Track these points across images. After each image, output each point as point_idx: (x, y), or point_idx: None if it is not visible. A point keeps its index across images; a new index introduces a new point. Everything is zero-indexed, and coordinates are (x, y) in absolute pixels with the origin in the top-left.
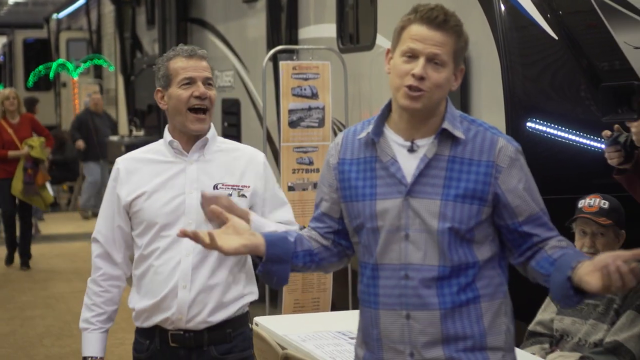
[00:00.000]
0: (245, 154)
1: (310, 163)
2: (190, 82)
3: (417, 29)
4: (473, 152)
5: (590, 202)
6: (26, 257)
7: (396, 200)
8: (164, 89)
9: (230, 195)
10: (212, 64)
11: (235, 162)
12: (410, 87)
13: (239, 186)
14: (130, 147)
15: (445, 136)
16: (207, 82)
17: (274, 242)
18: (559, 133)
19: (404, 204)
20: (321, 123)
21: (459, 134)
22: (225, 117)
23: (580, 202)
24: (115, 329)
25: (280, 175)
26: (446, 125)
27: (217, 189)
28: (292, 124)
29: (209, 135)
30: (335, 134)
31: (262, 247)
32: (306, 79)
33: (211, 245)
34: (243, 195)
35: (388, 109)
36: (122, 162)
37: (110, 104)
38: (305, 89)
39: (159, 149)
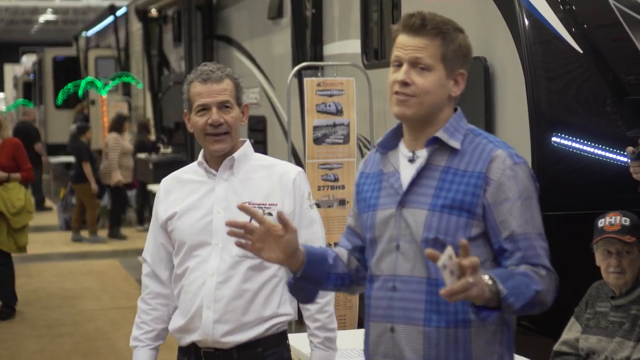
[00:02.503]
0: (278, 171)
1: (336, 180)
2: (204, 108)
3: (400, 38)
4: (468, 163)
5: (611, 221)
6: (8, 303)
7: (391, 210)
8: (189, 112)
9: None
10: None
11: (265, 180)
12: (397, 94)
13: (265, 204)
14: (158, 164)
15: (442, 146)
16: (224, 105)
17: (314, 261)
18: (585, 147)
19: (397, 213)
20: (346, 139)
21: (454, 144)
22: (251, 134)
23: (600, 221)
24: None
25: None
26: (440, 134)
27: None
28: (317, 141)
29: (236, 154)
30: (361, 151)
31: (299, 265)
32: (331, 96)
33: (254, 245)
34: (269, 214)
35: None
36: (165, 181)
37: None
38: (329, 106)
39: (196, 169)
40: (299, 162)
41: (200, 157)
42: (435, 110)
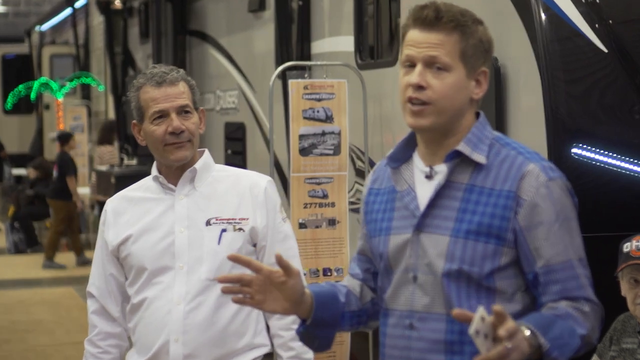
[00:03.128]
0: (246, 181)
1: (325, 196)
2: (162, 115)
3: (411, 34)
4: (496, 180)
5: (639, 245)
6: None
7: (407, 235)
8: (139, 123)
9: (226, 230)
10: (213, 82)
11: (232, 192)
12: (410, 101)
13: (235, 219)
14: (121, 178)
15: (463, 161)
16: (184, 110)
17: (324, 302)
18: (609, 160)
19: (413, 239)
20: (337, 150)
21: (478, 157)
22: (228, 143)
23: (625, 245)
24: None
25: (290, 210)
26: (462, 147)
27: (210, 224)
28: (304, 152)
29: (197, 165)
30: (354, 163)
31: (307, 311)
32: (319, 100)
33: (254, 298)
34: (240, 230)
35: None
36: (111, 203)
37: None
38: (318, 111)
39: (149, 185)
40: (282, 176)
41: (154, 171)
42: (456, 117)
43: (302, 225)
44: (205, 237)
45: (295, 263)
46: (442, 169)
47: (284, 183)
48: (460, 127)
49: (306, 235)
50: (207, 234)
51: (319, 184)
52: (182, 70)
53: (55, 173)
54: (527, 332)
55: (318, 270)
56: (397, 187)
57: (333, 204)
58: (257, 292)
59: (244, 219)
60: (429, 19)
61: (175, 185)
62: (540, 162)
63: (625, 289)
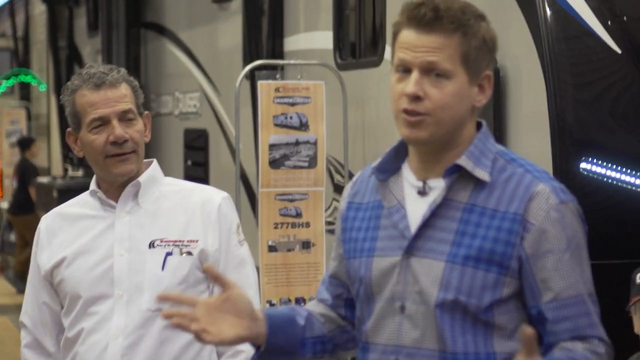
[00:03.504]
0: (197, 197)
1: (298, 215)
2: (102, 122)
3: (406, 35)
4: (500, 201)
5: None
6: None
7: (395, 258)
8: (75, 131)
9: (171, 253)
10: (171, 83)
11: (180, 209)
12: (406, 112)
13: (182, 241)
14: (64, 191)
15: (464, 176)
16: (127, 116)
17: (279, 327)
18: (622, 176)
19: (402, 264)
20: (312, 162)
21: (481, 174)
22: (188, 153)
23: (638, 276)
24: None
25: (259, 230)
26: (463, 161)
27: (153, 247)
28: (274, 164)
29: (142, 177)
30: (332, 177)
31: (262, 335)
32: (293, 104)
33: (198, 331)
34: (188, 253)
35: None
36: (45, 221)
37: (40, 134)
38: (291, 117)
39: (88, 200)
40: (250, 191)
41: (92, 185)
42: (456, 128)
43: (272, 248)
44: (148, 261)
45: (252, 294)
46: (438, 185)
47: (251, 199)
48: (460, 139)
49: (277, 259)
50: (150, 257)
51: (291, 200)
52: (123, 70)
53: (14, 183)
54: None
55: (290, 300)
56: (384, 202)
57: (308, 224)
58: (208, 323)
59: (192, 241)
60: (427, 19)
61: (116, 201)
62: (550, 183)
63: (638, 326)
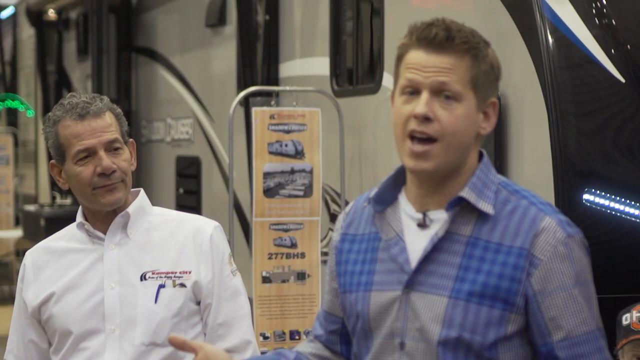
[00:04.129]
0: (188, 227)
1: (293, 245)
2: (88, 153)
3: (415, 56)
4: (504, 234)
5: None
6: None
7: (394, 293)
8: (60, 163)
9: (164, 286)
10: (163, 108)
11: (171, 240)
12: (413, 137)
13: (175, 273)
14: (52, 220)
15: (466, 209)
16: (113, 146)
17: None
18: (626, 208)
19: (402, 299)
20: (308, 191)
21: (485, 207)
22: (180, 181)
23: (625, 317)
24: None
25: (252, 260)
26: (466, 193)
27: (145, 279)
28: (269, 192)
29: (131, 208)
30: (328, 207)
31: None
32: (288, 132)
33: None
34: (182, 285)
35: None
36: (30, 256)
37: (28, 160)
38: (286, 145)
39: (75, 233)
40: (244, 221)
41: (79, 217)
42: (462, 157)
43: (266, 280)
44: (140, 294)
45: (245, 325)
46: (439, 217)
47: (245, 229)
48: (463, 169)
49: (271, 291)
50: (142, 290)
51: (286, 230)
52: (105, 98)
53: None
54: None
55: (284, 333)
56: (382, 234)
57: (303, 255)
58: None
59: (185, 273)
60: (438, 39)
61: (105, 233)
62: (556, 216)
63: None
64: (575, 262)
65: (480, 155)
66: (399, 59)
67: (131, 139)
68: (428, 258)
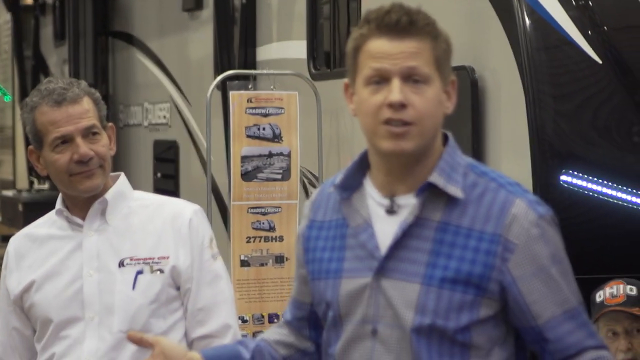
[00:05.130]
0: (167, 211)
1: (271, 229)
2: (65, 140)
3: (378, 45)
4: (475, 219)
5: (612, 292)
6: None
7: (364, 279)
8: (38, 149)
9: (142, 272)
10: (140, 93)
11: (150, 225)
12: (389, 122)
13: (153, 259)
14: (30, 205)
15: (435, 193)
16: (91, 132)
17: None
18: (604, 189)
19: (373, 285)
20: (286, 175)
21: (454, 191)
22: (158, 165)
23: (598, 294)
24: None
25: (230, 244)
26: (434, 178)
27: (123, 265)
28: (247, 176)
29: (109, 194)
30: (306, 190)
31: None
32: (266, 115)
33: None
34: (160, 271)
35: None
36: (13, 243)
37: (5, 146)
38: (264, 128)
39: (55, 220)
40: (222, 204)
41: (58, 204)
42: (434, 137)
43: (244, 263)
44: (118, 281)
45: (227, 309)
46: (407, 203)
47: (223, 213)
48: (430, 151)
49: (249, 274)
50: (120, 277)
51: (264, 214)
52: (83, 83)
53: None
54: None
55: (263, 317)
56: (349, 221)
57: (281, 238)
58: None
59: (163, 258)
60: (402, 25)
61: (83, 219)
62: (525, 196)
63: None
64: (549, 241)
65: (446, 137)
66: (357, 49)
67: (110, 123)
68: (398, 244)
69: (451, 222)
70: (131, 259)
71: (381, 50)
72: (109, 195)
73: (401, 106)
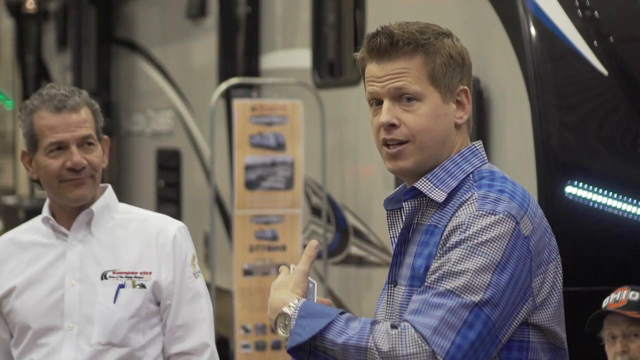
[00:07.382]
0: (152, 227)
1: (274, 238)
2: (60, 147)
3: (370, 68)
4: (442, 217)
5: (616, 297)
6: None
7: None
8: (31, 152)
9: (124, 286)
10: (143, 100)
11: (134, 239)
12: (387, 144)
13: (135, 273)
14: (31, 212)
15: (428, 198)
16: (87, 141)
17: None
18: (608, 201)
19: (389, 293)
20: (289, 184)
21: (436, 194)
22: (160, 173)
23: (605, 300)
24: None
25: (233, 253)
26: (420, 183)
27: (105, 278)
28: (250, 185)
29: (95, 206)
30: (309, 199)
31: None
32: (270, 124)
33: None
34: (141, 286)
35: None
36: None
37: (6, 152)
38: (268, 137)
39: (40, 227)
40: (224, 213)
41: (45, 211)
42: (443, 149)
43: (247, 272)
44: (99, 293)
45: (206, 328)
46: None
47: (226, 222)
48: (440, 162)
49: (252, 283)
50: (102, 289)
51: (267, 223)
52: (84, 92)
53: None
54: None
55: (265, 326)
56: (390, 233)
57: (284, 247)
58: None
59: (145, 273)
60: (383, 48)
61: (69, 229)
62: (484, 191)
63: (607, 348)
64: (469, 229)
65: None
66: (362, 72)
67: (105, 136)
68: (399, 251)
69: (433, 223)
70: (114, 272)
71: (371, 74)
72: (95, 207)
73: (392, 126)
